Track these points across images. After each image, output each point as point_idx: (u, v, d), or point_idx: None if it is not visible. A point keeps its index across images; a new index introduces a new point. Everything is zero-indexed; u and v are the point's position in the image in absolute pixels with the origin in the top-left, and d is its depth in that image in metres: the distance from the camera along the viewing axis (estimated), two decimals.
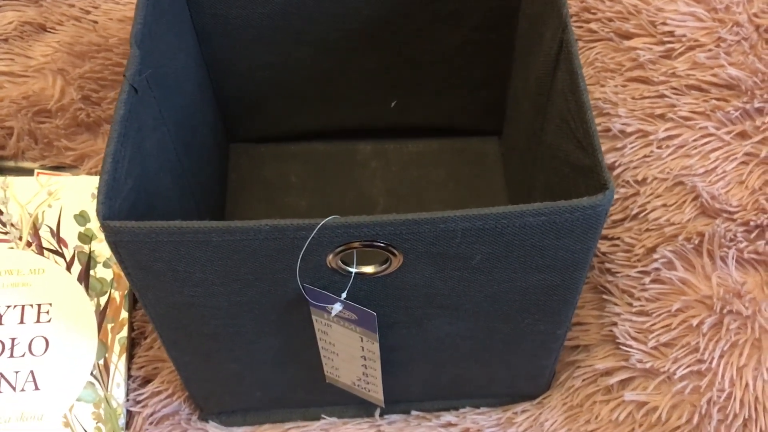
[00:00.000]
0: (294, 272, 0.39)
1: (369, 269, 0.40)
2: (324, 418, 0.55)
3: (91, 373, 0.54)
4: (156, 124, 0.46)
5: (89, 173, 0.64)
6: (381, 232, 0.37)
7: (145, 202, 0.42)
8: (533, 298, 0.43)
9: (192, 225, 0.36)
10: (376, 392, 0.50)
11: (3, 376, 0.53)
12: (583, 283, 0.43)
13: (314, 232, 0.36)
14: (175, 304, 0.42)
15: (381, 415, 0.55)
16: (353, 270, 0.40)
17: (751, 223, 0.55)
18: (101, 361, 0.54)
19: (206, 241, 0.37)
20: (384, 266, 0.40)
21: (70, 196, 0.60)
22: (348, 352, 0.46)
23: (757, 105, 0.59)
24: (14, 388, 0.52)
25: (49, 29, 0.69)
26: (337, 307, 0.41)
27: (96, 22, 0.68)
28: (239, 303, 0.42)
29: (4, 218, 0.58)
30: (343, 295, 0.41)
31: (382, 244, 0.38)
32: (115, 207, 0.38)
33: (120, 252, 0.38)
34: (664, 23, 0.64)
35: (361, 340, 0.44)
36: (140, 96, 0.43)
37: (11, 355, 0.53)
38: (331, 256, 0.39)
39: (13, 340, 0.54)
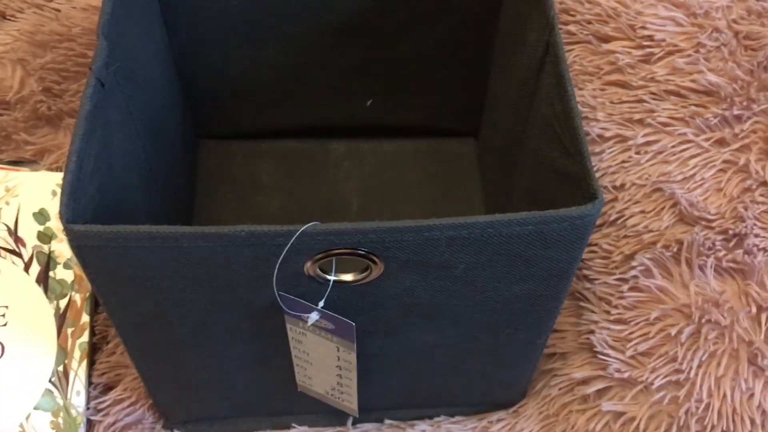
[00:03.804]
0: (268, 279, 0.38)
1: (348, 277, 0.38)
2: (294, 427, 0.53)
3: (50, 380, 0.51)
4: (123, 120, 0.44)
5: (50, 169, 0.61)
6: (363, 240, 0.36)
7: (111, 203, 0.40)
8: (515, 307, 0.42)
9: (162, 230, 0.34)
10: (350, 402, 0.48)
11: None
12: (567, 293, 0.42)
13: (293, 239, 0.35)
14: (141, 311, 0.40)
15: (353, 424, 0.53)
16: (332, 278, 0.38)
17: (730, 232, 0.54)
18: (60, 368, 0.51)
19: (177, 247, 0.35)
20: (364, 274, 0.38)
21: (30, 193, 0.57)
22: (322, 361, 0.44)
23: (735, 112, 0.59)
24: None
25: (8, 17, 0.66)
26: (314, 317, 0.40)
27: (59, 10, 0.65)
28: (210, 311, 0.40)
29: None
30: (321, 303, 0.39)
31: (362, 252, 0.36)
32: (79, 209, 0.36)
33: (84, 257, 0.36)
34: (643, 27, 0.64)
35: (338, 350, 0.42)
36: (107, 90, 0.41)
37: None
38: (309, 264, 0.37)
39: None
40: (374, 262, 0.37)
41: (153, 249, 0.35)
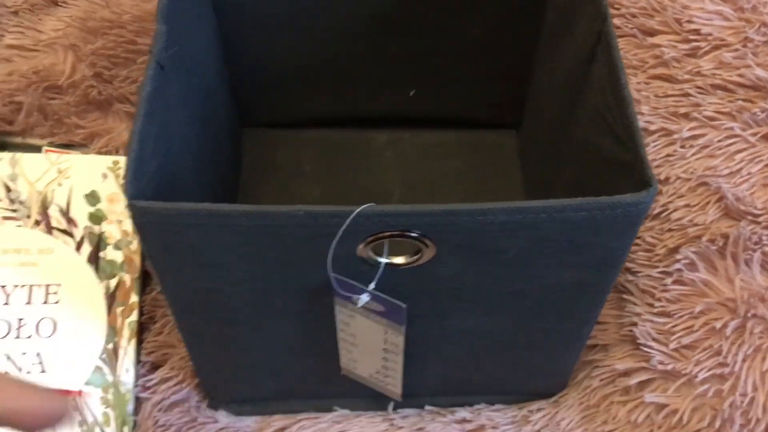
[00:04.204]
0: (321, 260, 0.38)
1: (400, 260, 0.39)
2: (336, 410, 0.54)
3: (100, 357, 0.52)
4: (179, 104, 0.45)
5: (99, 152, 0.62)
6: (417, 222, 0.36)
7: (168, 184, 0.41)
8: (562, 295, 0.42)
9: (222, 208, 0.35)
10: (393, 386, 0.49)
11: (9, 357, 0.51)
12: (614, 282, 0.42)
13: (349, 219, 0.35)
14: (196, 289, 0.41)
15: (394, 409, 0.54)
16: (383, 260, 0.39)
17: None
18: (110, 345, 0.53)
19: (236, 225, 0.36)
20: (415, 258, 0.39)
21: (81, 175, 0.58)
22: (369, 344, 0.45)
23: None
24: (20, 370, 0.51)
25: (60, 3, 0.67)
26: (364, 298, 0.40)
27: None
28: (262, 290, 0.41)
29: (12, 195, 0.57)
30: (371, 285, 0.40)
31: (415, 235, 0.37)
32: (140, 187, 0.37)
33: (144, 233, 0.37)
34: (689, 21, 0.63)
35: (385, 333, 0.43)
36: (166, 73, 0.41)
37: (18, 336, 0.52)
38: (361, 246, 0.38)
39: (20, 320, 0.52)
40: (426, 245, 0.38)
41: (212, 227, 0.36)
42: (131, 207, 0.35)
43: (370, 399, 0.54)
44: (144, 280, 0.56)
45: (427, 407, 0.54)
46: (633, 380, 0.52)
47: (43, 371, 0.51)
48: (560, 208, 0.36)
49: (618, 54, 0.41)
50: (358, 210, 0.35)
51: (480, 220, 0.36)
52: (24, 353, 0.51)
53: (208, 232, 0.36)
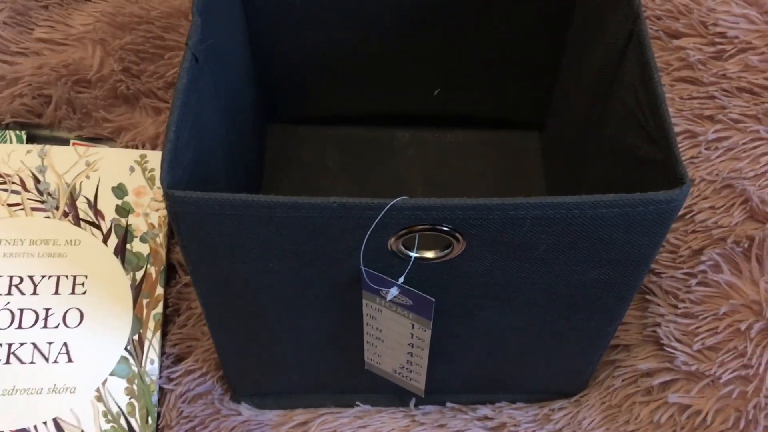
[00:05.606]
0: (352, 253, 0.39)
1: (429, 254, 0.39)
2: (358, 405, 0.54)
3: (126, 348, 0.53)
4: (211, 97, 0.45)
5: (125, 146, 0.63)
6: (450, 216, 0.36)
7: (202, 174, 0.41)
8: (590, 293, 0.42)
9: (257, 199, 0.36)
10: (417, 381, 0.49)
11: (36, 346, 0.52)
12: (642, 281, 0.42)
13: (384, 211, 0.35)
14: (227, 280, 0.41)
15: (415, 405, 0.54)
16: (413, 254, 0.39)
17: None
18: (136, 337, 0.53)
19: (270, 216, 0.36)
20: (445, 252, 0.39)
21: (108, 168, 0.59)
22: (395, 338, 0.45)
23: None
24: (47, 360, 0.52)
25: None
26: (393, 292, 0.40)
27: None
28: (292, 282, 0.41)
29: (41, 187, 0.57)
30: (401, 279, 0.40)
31: (447, 229, 0.37)
32: (177, 176, 0.37)
33: (180, 223, 0.37)
34: (715, 24, 0.63)
35: (412, 327, 0.43)
36: (200, 65, 0.42)
37: (45, 326, 0.52)
38: (393, 239, 0.38)
39: (47, 310, 0.53)
40: (457, 240, 0.38)
41: (246, 217, 0.36)
42: (169, 196, 0.36)
43: (391, 395, 0.54)
44: (169, 273, 0.57)
45: (449, 404, 0.54)
46: (656, 380, 0.52)
47: (69, 361, 0.52)
48: (593, 203, 0.36)
49: (651, 52, 0.41)
50: (393, 202, 0.35)
51: (512, 214, 0.36)
52: (51, 342, 0.52)
53: (242, 222, 0.37)
